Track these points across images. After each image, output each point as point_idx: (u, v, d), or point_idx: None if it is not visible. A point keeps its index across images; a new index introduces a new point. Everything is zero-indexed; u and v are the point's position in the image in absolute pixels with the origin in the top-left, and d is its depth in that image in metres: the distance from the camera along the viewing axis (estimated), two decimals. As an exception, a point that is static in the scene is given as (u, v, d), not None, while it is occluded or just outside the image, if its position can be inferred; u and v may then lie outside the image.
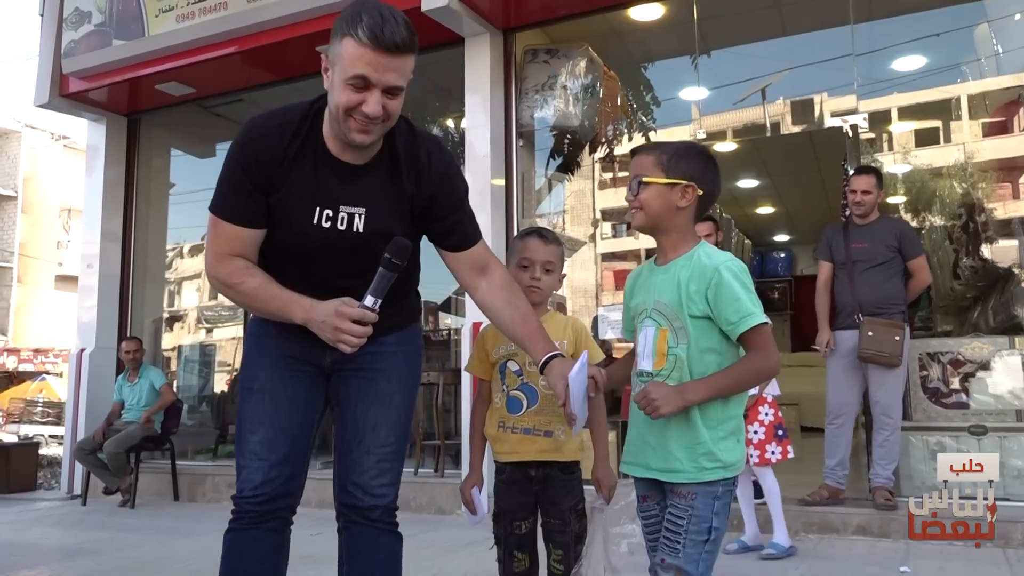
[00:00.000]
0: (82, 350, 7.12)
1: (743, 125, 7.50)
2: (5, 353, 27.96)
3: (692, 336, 1.72)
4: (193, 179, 8.55)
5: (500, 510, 2.19)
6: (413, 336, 2.15)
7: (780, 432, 4.04)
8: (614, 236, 8.85)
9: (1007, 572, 3.73)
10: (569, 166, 7.29)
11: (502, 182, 5.94)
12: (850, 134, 5.45)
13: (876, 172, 4.69)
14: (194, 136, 8.20)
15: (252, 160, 1.86)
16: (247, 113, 7.64)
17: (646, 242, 8.48)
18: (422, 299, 2.24)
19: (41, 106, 6.99)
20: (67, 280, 27.62)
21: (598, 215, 8.10)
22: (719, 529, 1.70)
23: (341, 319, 1.81)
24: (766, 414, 4.05)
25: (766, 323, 1.70)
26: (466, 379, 5.62)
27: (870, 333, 4.45)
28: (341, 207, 1.91)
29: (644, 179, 1.79)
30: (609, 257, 8.49)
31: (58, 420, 24.47)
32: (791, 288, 13.28)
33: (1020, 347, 4.73)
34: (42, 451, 17.02)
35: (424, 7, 5.37)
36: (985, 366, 4.75)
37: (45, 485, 9.64)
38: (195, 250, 9.72)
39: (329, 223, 1.90)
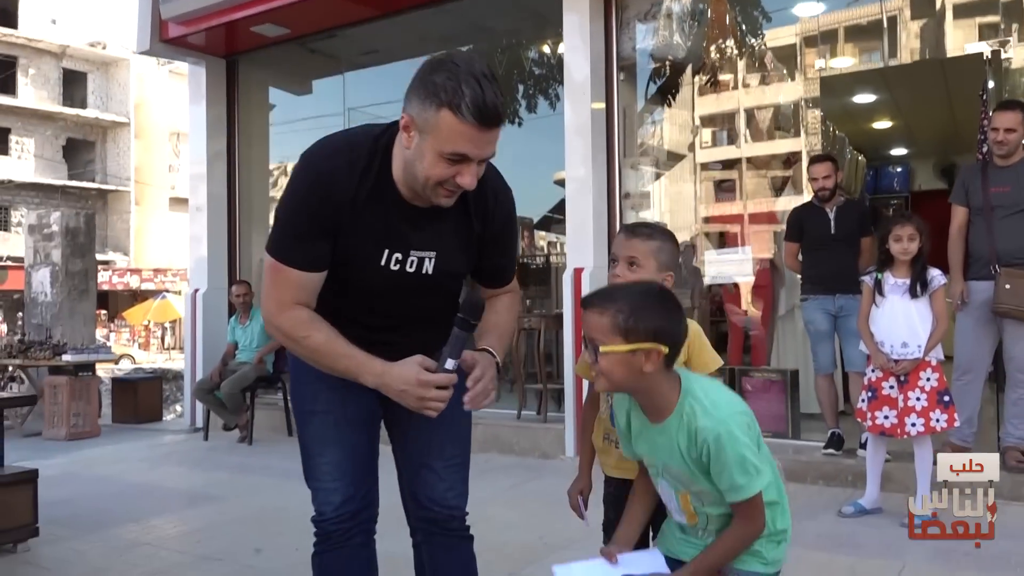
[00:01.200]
0: (196, 291, 7.40)
1: (863, 37, 6.96)
2: (129, 273, 29.69)
3: (715, 495, 1.62)
4: (291, 110, 8.66)
5: (609, 521, 2.10)
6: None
7: (946, 398, 3.78)
8: (714, 144, 8.49)
9: None
10: (670, 90, 6.94)
11: (602, 105, 5.69)
12: (990, 59, 4.92)
13: (1022, 106, 4.22)
14: (291, 74, 8.23)
15: (321, 202, 1.73)
16: (342, 49, 7.68)
17: (748, 151, 8.09)
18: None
19: (143, 53, 7.11)
20: (180, 202, 28.82)
21: (697, 122, 7.73)
22: None
23: (426, 388, 1.71)
24: (928, 379, 3.79)
25: (756, 493, 1.58)
26: (568, 323, 5.55)
27: (1008, 286, 4.10)
28: (412, 252, 1.82)
29: (602, 349, 1.58)
30: (709, 166, 8.14)
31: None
32: (907, 205, 12.56)
33: None
34: (166, 364, 18.24)
35: (517, -66, 5.09)
36: None
37: (171, 399, 10.24)
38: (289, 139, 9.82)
39: (398, 266, 1.81)
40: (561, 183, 5.82)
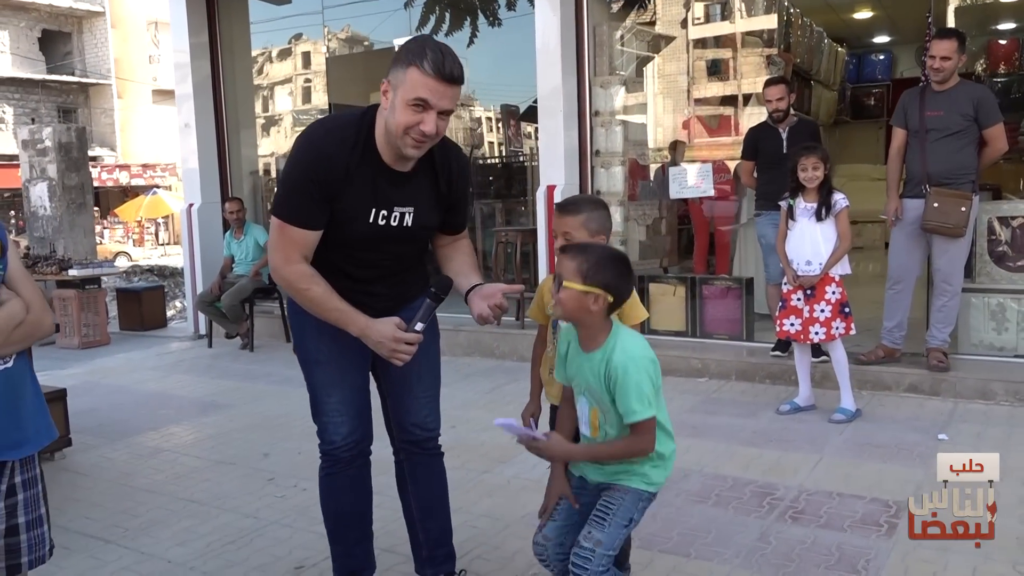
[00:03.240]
0: (191, 205, 7.72)
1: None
2: (117, 169, 29.56)
3: (614, 418, 2.04)
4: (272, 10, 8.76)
5: (554, 439, 2.58)
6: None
7: (846, 310, 4.27)
8: (707, 20, 8.56)
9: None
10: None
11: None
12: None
13: (959, 35, 4.48)
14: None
15: (321, 173, 2.13)
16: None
17: (742, 25, 8.21)
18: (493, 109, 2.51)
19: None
20: (163, 94, 28.43)
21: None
22: (635, 522, 2.10)
23: (398, 343, 2.17)
24: (833, 292, 4.26)
25: (647, 419, 1.97)
26: (542, 236, 5.95)
27: (936, 204, 4.48)
28: (395, 208, 2.24)
29: (564, 283, 2.02)
30: (701, 44, 8.30)
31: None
32: (888, 93, 12.70)
33: (1095, 211, 4.68)
34: (161, 261, 18.62)
35: None
36: (1056, 230, 4.75)
37: (170, 295, 10.52)
38: (283, 54, 9.94)
39: (384, 221, 2.23)
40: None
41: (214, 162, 7.81)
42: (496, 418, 2.13)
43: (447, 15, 8.44)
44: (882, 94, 12.92)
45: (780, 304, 4.44)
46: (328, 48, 8.75)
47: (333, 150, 2.14)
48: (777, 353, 5.22)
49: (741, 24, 8.18)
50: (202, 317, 7.43)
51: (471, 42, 8.26)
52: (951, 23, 6.00)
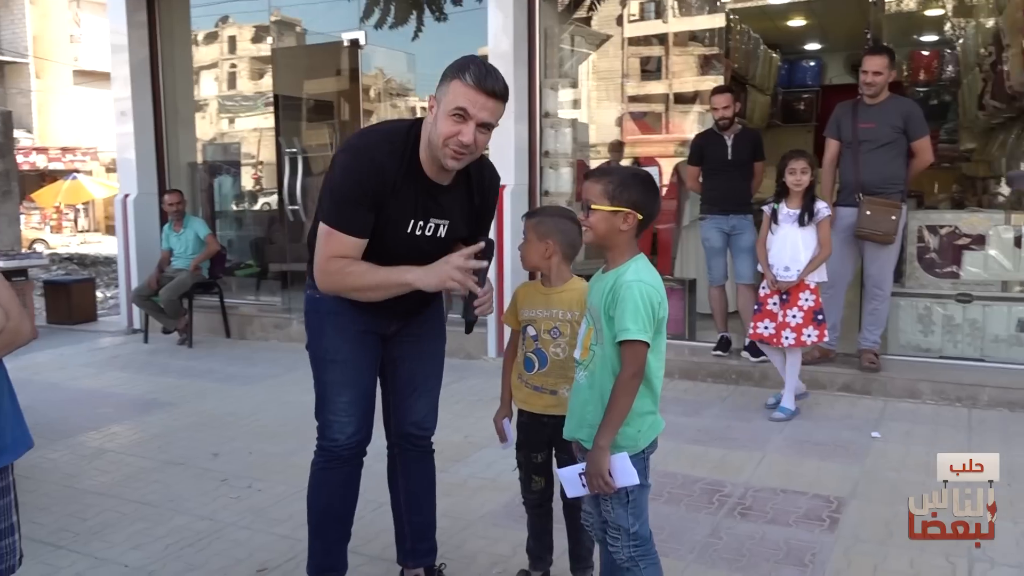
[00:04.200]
0: (126, 196, 7.50)
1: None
2: (34, 152, 28.33)
3: (605, 337, 2.05)
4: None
5: (521, 442, 2.64)
6: (439, 305, 2.66)
7: (819, 317, 4.39)
8: (642, 18, 8.65)
9: (965, 434, 4.24)
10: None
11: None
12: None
13: (889, 52, 4.72)
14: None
15: (373, 182, 2.19)
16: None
17: (675, 25, 8.39)
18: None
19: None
20: (86, 75, 27.37)
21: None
22: (634, 491, 2.06)
23: (463, 264, 2.15)
24: (806, 299, 4.38)
25: (636, 341, 1.95)
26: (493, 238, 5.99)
27: (868, 212, 4.71)
28: (431, 219, 2.30)
29: (592, 206, 2.05)
30: (636, 41, 8.40)
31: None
32: (818, 98, 13.14)
33: (1015, 222, 4.98)
34: (81, 249, 17.95)
35: None
36: (980, 240, 5.04)
37: (102, 283, 10.28)
38: (210, 37, 9.72)
39: (420, 231, 2.30)
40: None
41: (151, 151, 7.61)
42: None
43: (392, 7, 8.38)
44: (812, 99, 13.35)
45: (756, 307, 4.52)
46: (273, 37, 8.59)
47: (386, 160, 2.21)
48: (719, 353, 5.39)
49: (675, 24, 8.40)
50: (137, 311, 7.24)
51: (416, 36, 8.24)
52: (885, 34, 6.30)
